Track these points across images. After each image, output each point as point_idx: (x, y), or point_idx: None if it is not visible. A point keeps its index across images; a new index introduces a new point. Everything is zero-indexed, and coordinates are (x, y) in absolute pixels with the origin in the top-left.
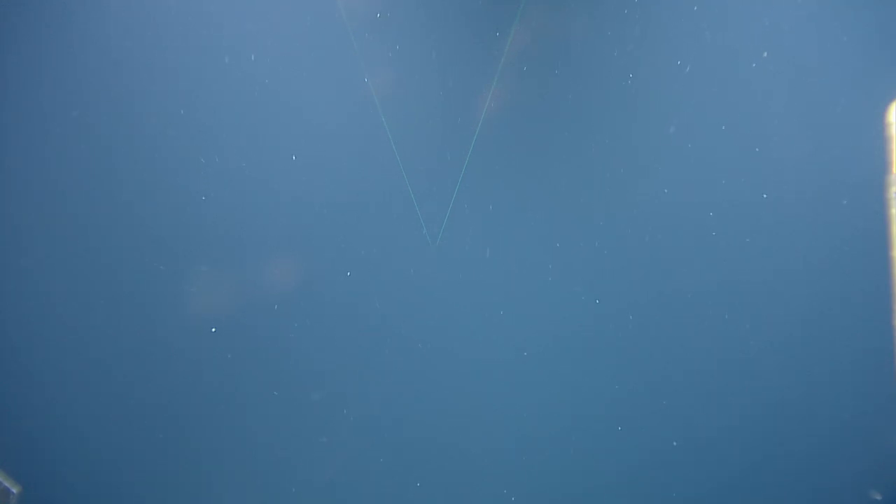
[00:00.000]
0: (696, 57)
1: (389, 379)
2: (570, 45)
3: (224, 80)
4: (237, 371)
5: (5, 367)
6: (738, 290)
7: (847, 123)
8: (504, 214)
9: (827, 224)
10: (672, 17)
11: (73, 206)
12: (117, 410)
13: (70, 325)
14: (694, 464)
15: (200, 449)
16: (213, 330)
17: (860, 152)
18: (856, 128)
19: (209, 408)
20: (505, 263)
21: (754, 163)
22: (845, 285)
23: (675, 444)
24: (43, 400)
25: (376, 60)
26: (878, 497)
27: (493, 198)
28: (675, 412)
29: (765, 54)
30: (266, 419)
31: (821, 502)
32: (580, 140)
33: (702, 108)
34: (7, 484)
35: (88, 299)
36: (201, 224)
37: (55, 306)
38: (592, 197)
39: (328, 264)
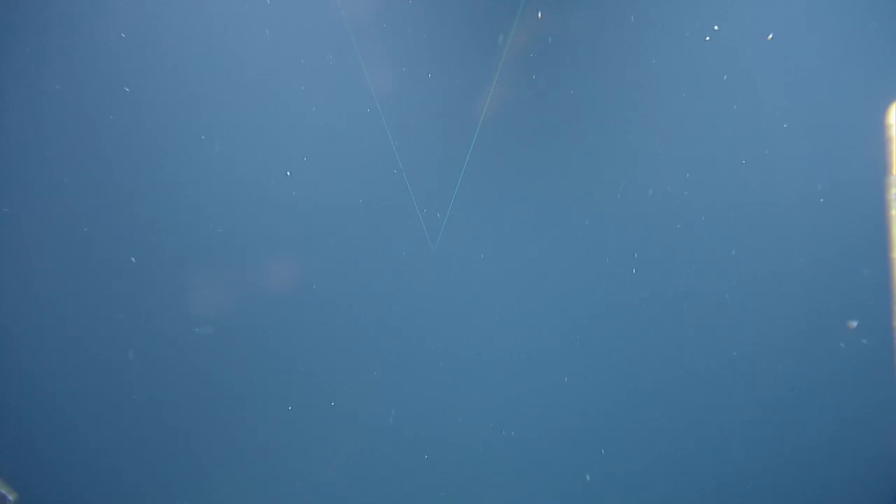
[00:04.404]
0: (697, 57)
1: (389, 379)
2: (571, 44)
3: (224, 81)
4: (237, 371)
5: (5, 367)
6: (738, 290)
7: (847, 124)
8: (504, 214)
9: (827, 225)
10: (672, 18)
11: (73, 205)
12: (117, 411)
13: (69, 326)
14: (693, 463)
15: (201, 450)
16: (198, 330)
17: (860, 153)
18: (856, 128)
19: (209, 409)
20: (505, 263)
21: (754, 163)
22: (845, 286)
23: (674, 443)
24: (43, 400)
25: (376, 60)
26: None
27: (493, 198)
28: (674, 412)
29: (780, 49)
30: (266, 420)
31: (821, 502)
32: (581, 140)
33: (702, 108)
34: (4, 491)
35: (88, 299)
36: (201, 224)
37: (55, 306)
38: (593, 197)
39: (328, 265)
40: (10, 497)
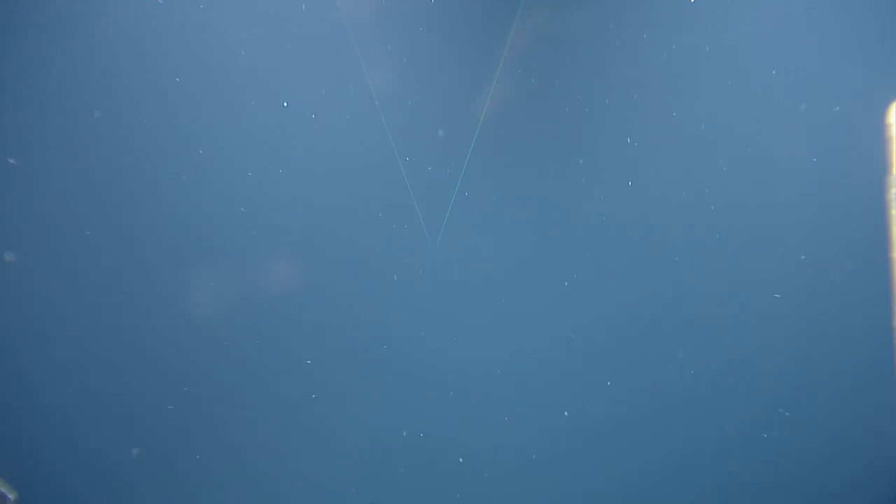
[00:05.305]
0: (697, 57)
1: (389, 379)
2: (571, 44)
3: (224, 81)
4: (237, 371)
5: (5, 367)
6: (737, 290)
7: (847, 123)
8: (504, 214)
9: (827, 225)
10: (672, 18)
11: (73, 205)
12: (117, 411)
13: (69, 326)
14: (693, 463)
15: (201, 449)
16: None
17: (860, 153)
18: (856, 128)
19: (209, 408)
20: (505, 263)
21: (754, 163)
22: (845, 286)
23: (674, 443)
24: (43, 400)
25: (376, 60)
26: None
27: (493, 198)
28: (674, 412)
29: (780, 50)
30: (266, 420)
31: (821, 502)
32: (581, 140)
33: (702, 108)
34: (4, 490)
35: (88, 299)
36: (201, 224)
37: (55, 306)
38: (593, 197)
39: (328, 264)
40: (10, 496)
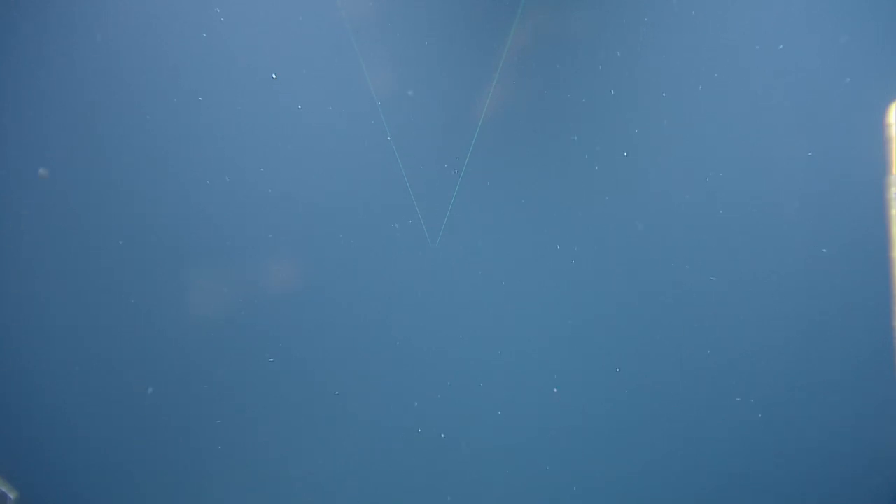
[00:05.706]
0: (696, 57)
1: (388, 380)
2: (571, 44)
3: (224, 81)
4: (237, 372)
5: (5, 367)
6: (737, 290)
7: (847, 123)
8: (504, 214)
9: (826, 225)
10: (672, 17)
11: (73, 205)
12: (118, 410)
13: (69, 326)
14: (693, 464)
15: (202, 449)
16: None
17: (860, 152)
18: (856, 128)
19: (209, 408)
20: (505, 264)
21: (754, 163)
22: (845, 286)
23: (673, 443)
24: (43, 400)
25: (376, 60)
26: None
27: (493, 198)
28: (673, 412)
29: (780, 46)
30: (266, 420)
31: (821, 502)
32: (581, 140)
33: (702, 107)
34: (4, 489)
35: (88, 299)
36: (201, 224)
37: (55, 306)
38: (593, 197)
39: (327, 265)
40: (11, 496)
